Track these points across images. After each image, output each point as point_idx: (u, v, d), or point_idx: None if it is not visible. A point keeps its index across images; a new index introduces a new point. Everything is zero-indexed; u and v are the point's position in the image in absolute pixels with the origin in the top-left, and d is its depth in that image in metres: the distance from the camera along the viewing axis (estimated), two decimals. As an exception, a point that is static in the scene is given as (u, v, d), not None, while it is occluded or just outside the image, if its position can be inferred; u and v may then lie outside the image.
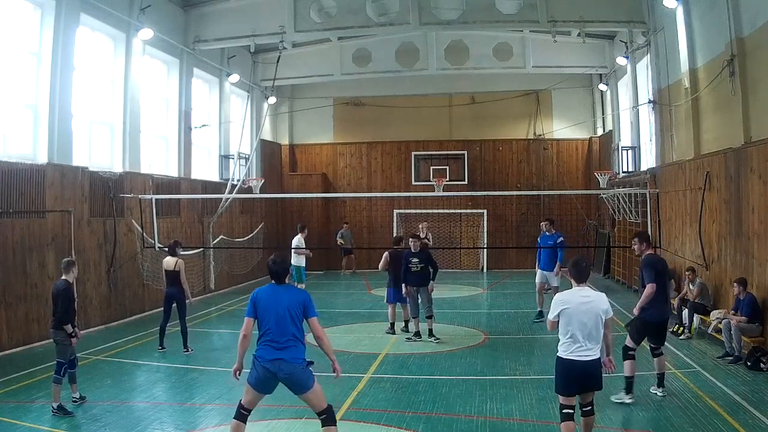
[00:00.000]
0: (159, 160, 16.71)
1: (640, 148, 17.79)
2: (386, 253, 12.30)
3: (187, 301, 10.97)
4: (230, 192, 17.48)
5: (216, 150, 19.73)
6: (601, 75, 21.51)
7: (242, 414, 5.63)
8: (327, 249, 23.57)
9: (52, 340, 7.99)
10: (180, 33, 17.19)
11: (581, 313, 5.71)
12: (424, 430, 7.00)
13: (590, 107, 23.48)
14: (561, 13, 16.13)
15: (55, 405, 7.49)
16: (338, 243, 22.73)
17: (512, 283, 20.11)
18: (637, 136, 17.92)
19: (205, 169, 19.23)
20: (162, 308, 11.26)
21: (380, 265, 12.44)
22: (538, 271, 13.44)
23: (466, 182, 22.89)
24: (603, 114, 22.66)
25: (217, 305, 16.17)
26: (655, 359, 8.08)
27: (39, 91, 12.21)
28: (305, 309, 5.65)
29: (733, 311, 10.11)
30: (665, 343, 8.23)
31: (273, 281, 5.78)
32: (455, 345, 11.36)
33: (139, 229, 14.35)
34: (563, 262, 12.92)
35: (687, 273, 12.11)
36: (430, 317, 11.53)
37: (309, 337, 5.74)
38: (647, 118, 16.94)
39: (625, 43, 17.77)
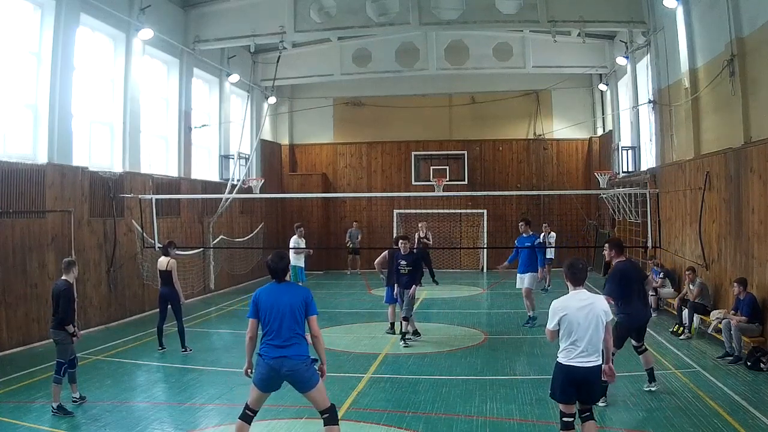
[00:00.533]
0: (159, 160, 16.71)
1: (640, 148, 17.79)
2: (386, 252, 12.28)
3: (180, 302, 10.96)
4: (230, 192, 17.48)
5: (216, 150, 19.73)
6: (601, 75, 21.51)
7: (247, 415, 5.64)
8: (327, 249, 23.60)
9: (52, 340, 7.99)
10: (180, 33, 17.19)
11: (581, 318, 5.50)
12: (424, 430, 7.00)
13: (590, 107, 23.48)
14: (561, 13, 16.13)
15: (55, 405, 7.48)
16: (347, 243, 22.79)
17: (512, 283, 19.81)
18: (637, 136, 17.92)
19: (205, 169, 19.23)
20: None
21: (376, 261, 12.43)
22: (518, 276, 12.89)
23: (466, 182, 22.91)
24: (603, 114, 22.66)
25: (217, 305, 16.17)
26: (640, 356, 8.17)
27: (39, 91, 12.20)
28: (307, 306, 5.65)
29: (733, 311, 10.11)
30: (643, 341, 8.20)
31: (274, 280, 5.79)
32: (455, 345, 11.36)
33: (139, 229, 14.35)
34: (544, 264, 12.84)
35: (687, 273, 12.11)
36: (406, 319, 11.20)
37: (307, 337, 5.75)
38: (647, 118, 16.94)
39: (625, 43, 17.77)
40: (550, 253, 18.15)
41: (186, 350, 10.82)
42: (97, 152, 14.28)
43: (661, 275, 13.85)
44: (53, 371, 7.69)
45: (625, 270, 8.05)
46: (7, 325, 10.78)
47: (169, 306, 10.92)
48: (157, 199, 14.52)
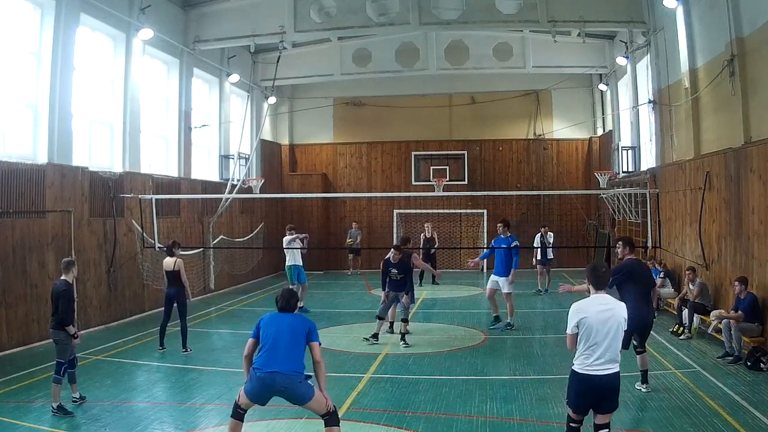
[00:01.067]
0: (159, 160, 16.70)
1: (640, 148, 17.79)
2: (382, 262, 12.33)
3: (187, 300, 11.01)
4: (230, 192, 17.48)
5: (216, 150, 19.73)
6: (601, 75, 21.52)
7: (239, 413, 5.66)
8: (327, 249, 23.59)
9: (51, 340, 7.99)
10: (180, 33, 17.19)
11: (600, 323, 5.23)
12: (424, 430, 7.00)
13: (590, 107, 23.48)
14: (561, 13, 16.14)
15: (55, 405, 7.48)
16: (348, 243, 22.78)
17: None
18: (637, 136, 17.92)
19: (205, 169, 19.23)
20: (162, 308, 11.27)
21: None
22: (491, 277, 12.85)
23: (466, 182, 22.90)
24: (603, 114, 22.66)
25: (217, 305, 16.15)
26: (638, 356, 8.22)
27: (39, 91, 12.20)
28: (309, 332, 5.75)
29: (733, 310, 10.09)
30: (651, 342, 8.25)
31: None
32: (455, 345, 11.35)
33: (139, 229, 14.34)
34: (518, 267, 12.78)
35: (687, 273, 12.11)
36: (405, 320, 11.61)
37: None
38: (647, 118, 16.94)
39: (625, 43, 17.78)
40: (550, 254, 18.20)
41: (186, 350, 10.83)
42: (97, 152, 14.28)
43: (662, 275, 13.85)
44: (53, 371, 7.68)
45: (632, 266, 8.18)
46: (7, 325, 10.78)
47: (174, 306, 10.94)
48: (157, 199, 14.53)
